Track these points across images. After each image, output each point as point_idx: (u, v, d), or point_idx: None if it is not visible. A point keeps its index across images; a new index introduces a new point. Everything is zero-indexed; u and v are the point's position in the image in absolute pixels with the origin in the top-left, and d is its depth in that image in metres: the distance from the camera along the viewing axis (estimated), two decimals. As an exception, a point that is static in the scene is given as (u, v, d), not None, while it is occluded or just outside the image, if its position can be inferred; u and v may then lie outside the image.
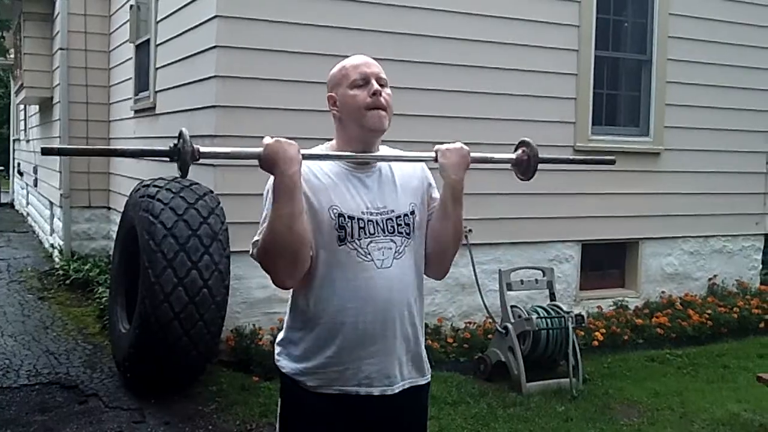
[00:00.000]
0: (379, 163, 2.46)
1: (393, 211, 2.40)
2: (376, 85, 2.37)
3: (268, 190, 2.33)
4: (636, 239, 7.88)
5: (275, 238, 2.19)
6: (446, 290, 6.83)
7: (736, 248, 8.52)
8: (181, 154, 2.13)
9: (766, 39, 8.38)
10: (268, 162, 2.17)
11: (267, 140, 2.20)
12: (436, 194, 2.53)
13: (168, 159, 2.16)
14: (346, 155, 2.40)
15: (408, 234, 2.41)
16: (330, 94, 2.45)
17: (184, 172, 2.16)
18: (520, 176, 2.63)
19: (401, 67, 6.39)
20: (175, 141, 2.14)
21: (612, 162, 2.96)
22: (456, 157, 2.42)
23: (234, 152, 2.31)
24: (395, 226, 2.39)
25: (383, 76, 2.42)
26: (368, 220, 2.36)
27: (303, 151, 2.22)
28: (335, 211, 2.32)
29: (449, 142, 2.48)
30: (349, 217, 2.33)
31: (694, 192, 8.06)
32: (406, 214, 2.42)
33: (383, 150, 2.51)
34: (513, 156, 2.59)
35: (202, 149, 2.17)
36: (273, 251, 2.22)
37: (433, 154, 2.44)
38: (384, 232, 2.37)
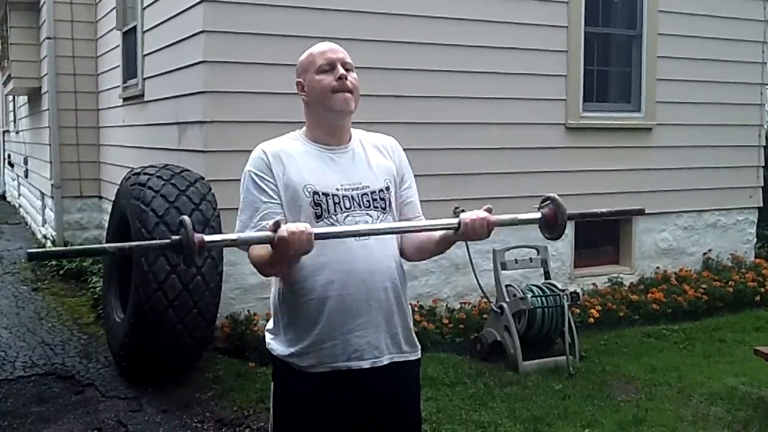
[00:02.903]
0: (352, 144, 2.52)
1: (368, 186, 2.46)
2: (341, 70, 2.45)
3: (246, 179, 2.45)
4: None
5: (266, 272, 2.37)
6: (440, 271, 6.82)
7: (730, 222, 8.52)
8: (185, 248, 2.04)
9: (756, 11, 8.35)
10: (278, 250, 2.14)
11: (282, 233, 2.10)
12: (409, 181, 2.60)
13: (171, 250, 2.08)
14: (357, 232, 2.36)
15: (384, 209, 2.47)
16: (298, 80, 2.53)
17: (189, 264, 2.13)
18: (547, 236, 2.49)
19: (386, 47, 6.38)
20: (178, 233, 2.05)
21: (642, 212, 2.78)
22: (481, 231, 2.35)
23: (242, 239, 2.21)
24: (371, 201, 2.45)
25: (349, 60, 2.50)
26: (343, 196, 2.42)
27: (314, 230, 2.17)
28: (309, 189, 2.39)
29: (470, 209, 2.39)
30: (323, 193, 2.40)
31: (687, 167, 8.05)
32: (381, 189, 2.48)
33: (356, 134, 2.56)
34: (539, 215, 2.46)
35: (207, 239, 2.06)
36: (264, 273, 2.40)
37: (455, 222, 2.35)
38: (360, 207, 2.43)
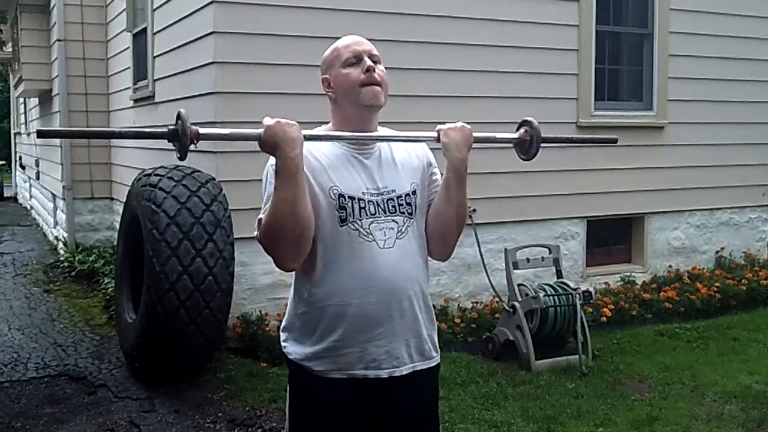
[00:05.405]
0: (378, 145, 2.43)
1: (394, 191, 2.37)
2: (368, 62, 2.35)
3: (268, 172, 2.32)
4: (642, 214, 7.83)
5: (278, 220, 2.16)
6: (452, 270, 6.80)
7: (743, 220, 8.47)
8: (180, 137, 2.08)
9: (767, 8, 8.30)
10: (269, 144, 2.14)
11: (267, 121, 2.16)
12: (438, 175, 2.49)
13: (166, 140, 2.12)
14: (347, 136, 2.37)
15: (410, 214, 2.38)
16: (324, 76, 2.43)
17: (183, 155, 2.13)
18: (522, 156, 2.61)
19: (398, 47, 6.34)
20: (173, 123, 2.09)
21: (614, 141, 2.96)
22: (458, 136, 2.39)
23: (234, 134, 2.30)
24: (396, 206, 2.36)
25: (375, 53, 2.40)
26: (368, 201, 2.33)
27: (304, 132, 2.19)
28: (335, 191, 2.30)
29: (451, 122, 2.44)
30: (349, 197, 2.31)
31: (700, 165, 8.02)
32: (407, 194, 2.39)
33: (382, 131, 2.47)
34: (515, 135, 2.56)
35: (202, 131, 2.13)
36: (276, 234, 2.19)
37: (434, 134, 2.41)
38: (385, 213, 2.34)
